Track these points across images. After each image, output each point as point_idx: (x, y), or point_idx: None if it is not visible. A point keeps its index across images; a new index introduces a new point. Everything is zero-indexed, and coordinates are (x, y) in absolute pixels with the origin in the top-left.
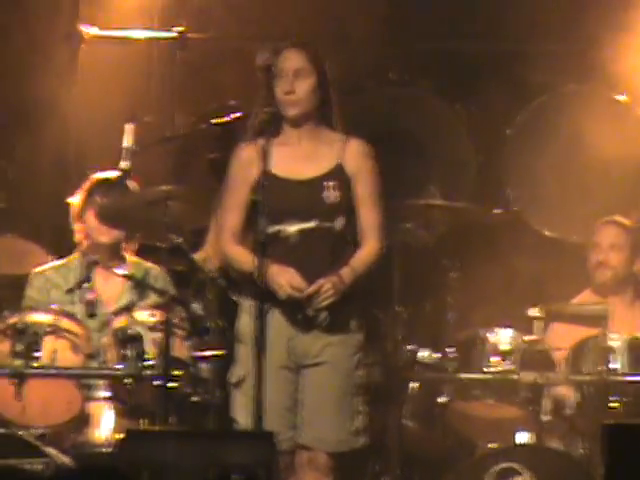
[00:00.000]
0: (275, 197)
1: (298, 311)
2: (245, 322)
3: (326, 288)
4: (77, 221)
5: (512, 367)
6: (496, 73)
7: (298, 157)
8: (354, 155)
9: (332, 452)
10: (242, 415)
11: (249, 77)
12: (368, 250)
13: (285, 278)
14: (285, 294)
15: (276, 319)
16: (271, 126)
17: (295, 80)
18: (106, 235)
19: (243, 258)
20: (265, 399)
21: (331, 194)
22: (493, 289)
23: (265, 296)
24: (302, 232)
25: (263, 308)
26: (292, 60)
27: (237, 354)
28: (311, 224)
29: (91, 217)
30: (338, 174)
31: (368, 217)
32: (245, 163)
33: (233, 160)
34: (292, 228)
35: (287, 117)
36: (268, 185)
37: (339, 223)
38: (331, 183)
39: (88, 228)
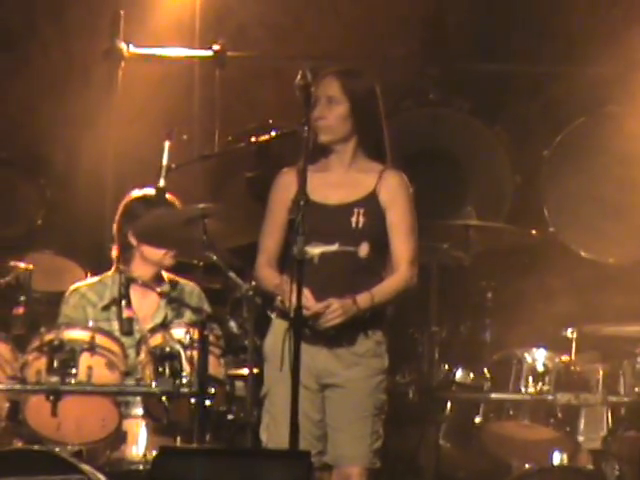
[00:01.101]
0: (307, 218)
1: (310, 330)
2: (270, 340)
3: (333, 308)
4: (115, 238)
5: (548, 388)
6: (535, 94)
7: (333, 183)
8: (389, 185)
9: (359, 467)
10: (264, 434)
11: (287, 96)
12: (396, 279)
13: (287, 294)
14: (287, 309)
15: (296, 338)
16: (309, 147)
17: (327, 107)
18: (173, 259)
19: (269, 279)
20: (282, 417)
21: (357, 220)
22: (529, 310)
23: (288, 315)
24: (324, 255)
25: (294, 326)
26: (326, 87)
27: (264, 372)
28: (334, 247)
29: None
30: (369, 202)
31: (400, 247)
32: (284, 187)
33: (273, 184)
34: (316, 250)
35: (319, 143)
36: (303, 204)
37: (363, 249)
38: (360, 210)
39: (152, 253)
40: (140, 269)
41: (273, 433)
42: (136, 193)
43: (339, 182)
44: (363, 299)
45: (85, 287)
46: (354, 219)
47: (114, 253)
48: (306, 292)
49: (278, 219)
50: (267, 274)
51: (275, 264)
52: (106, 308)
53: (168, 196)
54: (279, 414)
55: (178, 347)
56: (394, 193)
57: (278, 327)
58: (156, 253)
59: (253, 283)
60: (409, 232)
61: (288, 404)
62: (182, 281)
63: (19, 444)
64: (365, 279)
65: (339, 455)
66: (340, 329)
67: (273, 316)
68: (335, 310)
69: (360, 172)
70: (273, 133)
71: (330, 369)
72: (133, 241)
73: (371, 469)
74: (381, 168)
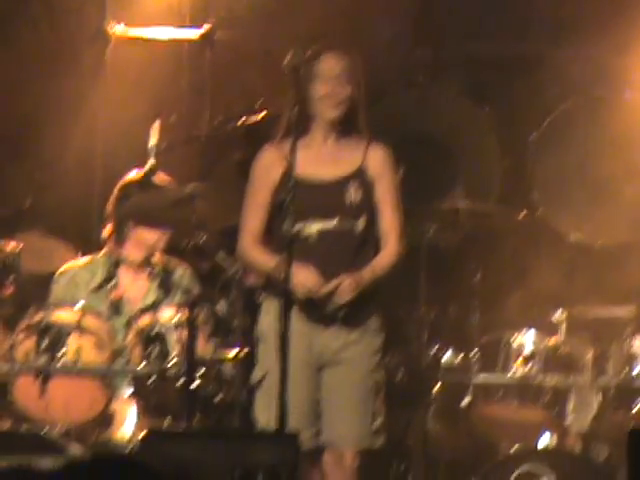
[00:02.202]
0: (297, 197)
1: (315, 309)
2: (266, 321)
3: (346, 284)
4: (109, 220)
5: (536, 369)
6: (523, 77)
7: (321, 159)
8: (376, 159)
9: (355, 450)
10: (264, 415)
11: (276, 78)
12: (389, 252)
13: (301, 277)
14: (301, 293)
15: (296, 317)
16: (300, 127)
17: (336, 84)
18: (154, 236)
19: (262, 260)
20: (287, 398)
21: (353, 195)
22: (518, 292)
23: (286, 295)
24: (322, 232)
25: (285, 307)
26: (333, 64)
27: (259, 354)
28: (332, 224)
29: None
30: (360, 176)
31: (389, 220)
32: (267, 165)
33: (255, 163)
34: (313, 228)
35: (325, 119)
36: (293, 185)
37: (360, 224)
38: (353, 185)
39: (136, 228)
40: (132, 251)
41: (271, 414)
42: (132, 175)
43: (327, 157)
44: (367, 273)
45: (76, 268)
46: (348, 194)
47: (106, 234)
48: (310, 272)
49: (262, 199)
50: (258, 255)
51: (259, 244)
52: (96, 289)
53: (160, 177)
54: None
55: (167, 328)
56: (381, 167)
57: (273, 307)
58: (151, 236)
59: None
60: (396, 205)
61: (293, 384)
62: (173, 263)
63: (7, 424)
64: (363, 254)
65: (338, 435)
66: (352, 310)
67: (265, 297)
68: (347, 286)
69: (347, 147)
70: (262, 115)
71: (331, 347)
72: (129, 223)
73: (368, 450)
74: (366, 142)
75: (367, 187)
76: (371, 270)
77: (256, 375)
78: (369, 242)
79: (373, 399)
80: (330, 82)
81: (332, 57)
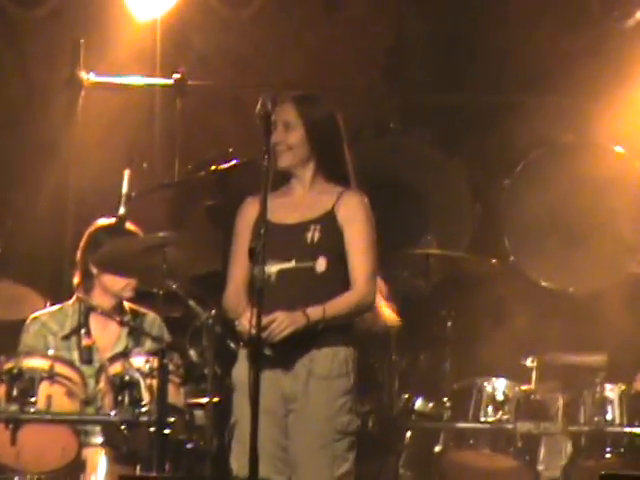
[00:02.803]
0: (264, 241)
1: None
2: (237, 368)
3: (280, 320)
4: (78, 267)
5: (508, 416)
6: (494, 124)
7: (292, 205)
8: (348, 204)
9: None
10: (237, 462)
11: (248, 125)
12: (351, 294)
13: (246, 316)
14: (245, 332)
15: (264, 364)
16: (269, 174)
17: (284, 132)
18: (132, 291)
19: (235, 308)
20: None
21: (312, 235)
22: (489, 339)
23: (254, 342)
24: (282, 272)
25: (254, 354)
26: (282, 112)
27: (233, 401)
28: (290, 264)
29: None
30: (326, 219)
31: (357, 263)
32: (248, 216)
33: (238, 213)
34: (273, 269)
35: (278, 168)
36: (263, 232)
37: (320, 264)
38: (316, 226)
39: (113, 284)
40: (100, 299)
41: (243, 462)
42: (101, 222)
43: (298, 203)
44: (314, 311)
45: (46, 315)
46: (309, 235)
47: (75, 281)
48: (248, 314)
49: (244, 248)
50: (235, 304)
51: (244, 293)
52: (67, 337)
53: (129, 225)
54: (249, 443)
55: (137, 376)
56: (352, 211)
57: (244, 355)
58: (116, 284)
59: (213, 312)
60: (366, 249)
61: (260, 431)
62: (143, 311)
63: None
64: (324, 295)
65: None
66: (298, 348)
67: (239, 345)
68: (281, 323)
69: (320, 193)
70: (233, 162)
71: (293, 393)
72: (94, 270)
73: None
74: (341, 190)
75: (331, 230)
76: (320, 309)
77: (231, 422)
78: (336, 284)
79: (335, 445)
80: (277, 131)
81: (283, 106)
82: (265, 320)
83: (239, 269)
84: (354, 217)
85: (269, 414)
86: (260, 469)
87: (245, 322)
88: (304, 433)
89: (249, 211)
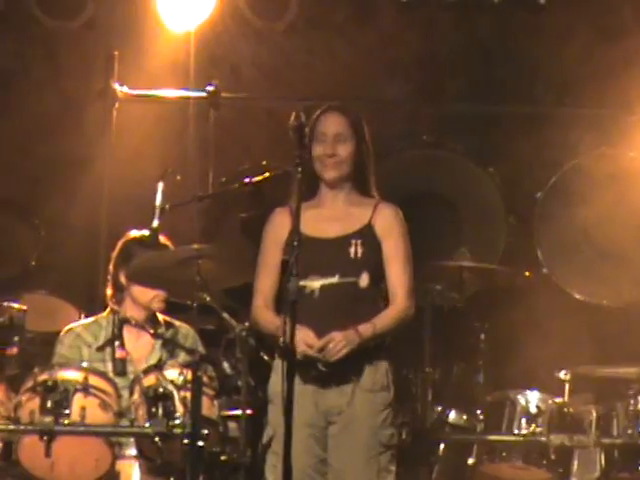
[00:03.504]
0: (302, 255)
1: (312, 367)
2: (274, 381)
3: (336, 341)
4: (110, 279)
5: (541, 429)
6: (528, 135)
7: (329, 218)
8: (384, 217)
9: None
10: (272, 475)
11: (281, 137)
12: (394, 309)
13: (299, 336)
14: (299, 352)
15: (301, 376)
16: (303, 186)
17: (335, 144)
18: (162, 302)
19: (269, 321)
20: (293, 459)
21: (356, 250)
22: (523, 351)
23: (289, 355)
24: (325, 287)
25: (289, 367)
26: (333, 124)
27: (269, 414)
28: (334, 279)
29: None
30: (366, 233)
31: (396, 277)
32: (276, 226)
33: (267, 224)
34: (316, 283)
35: (325, 180)
36: (297, 244)
37: (364, 280)
38: (358, 241)
39: (141, 295)
40: (131, 310)
41: (279, 473)
42: (134, 233)
43: (334, 216)
44: (365, 329)
45: (80, 327)
46: (352, 250)
47: (109, 293)
48: (306, 331)
49: (272, 259)
50: (266, 316)
51: (272, 304)
52: (101, 349)
53: (161, 238)
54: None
55: (171, 388)
56: (389, 224)
57: (281, 368)
58: (145, 295)
59: (247, 324)
60: (405, 262)
61: (298, 444)
62: (177, 323)
63: None
64: (366, 310)
65: None
66: (346, 363)
67: (275, 357)
68: (338, 343)
69: (354, 206)
70: (266, 174)
71: (337, 406)
72: (124, 282)
73: None
74: (375, 201)
75: (372, 244)
76: (371, 326)
77: (265, 435)
78: (377, 298)
79: (379, 458)
80: (328, 142)
81: (331, 117)
82: (322, 341)
83: (267, 281)
84: (390, 230)
85: (308, 427)
86: None
87: (301, 345)
88: (349, 445)
89: (278, 222)
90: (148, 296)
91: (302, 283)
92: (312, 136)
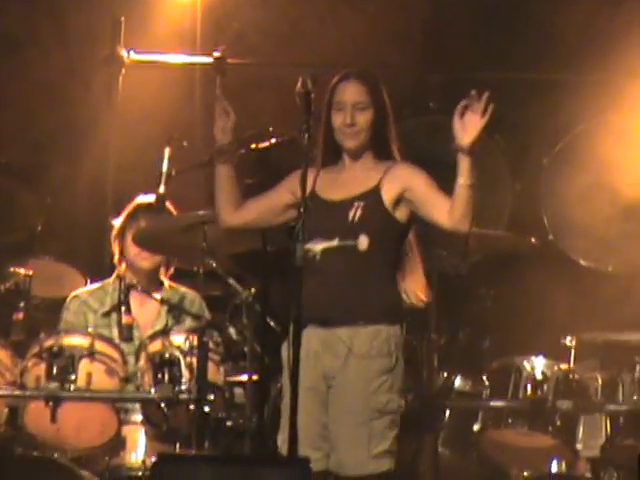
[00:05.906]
0: (311, 217)
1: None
2: (284, 346)
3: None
4: (116, 244)
5: (546, 395)
6: (534, 102)
7: (340, 181)
8: (398, 171)
9: (352, 476)
10: (280, 438)
11: (287, 103)
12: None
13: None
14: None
15: (307, 339)
16: (311, 152)
17: (354, 112)
18: (147, 260)
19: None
20: (298, 424)
21: (355, 213)
22: (528, 317)
23: (296, 320)
24: (326, 251)
25: (295, 332)
26: (351, 92)
27: (283, 378)
28: (334, 242)
29: (131, 241)
30: (370, 196)
31: (442, 200)
32: (299, 181)
33: (294, 173)
34: (318, 247)
35: (345, 149)
36: (304, 210)
37: (362, 243)
38: (360, 203)
39: (129, 252)
40: (130, 275)
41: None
42: (141, 199)
43: (346, 180)
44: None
45: (86, 293)
46: (352, 213)
47: (115, 259)
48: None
49: (275, 196)
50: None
51: (239, 208)
52: (107, 314)
53: (167, 204)
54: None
55: (177, 353)
56: (407, 172)
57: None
58: (129, 251)
59: (253, 290)
60: (440, 191)
61: (302, 407)
62: (183, 289)
63: (18, 450)
64: (367, 274)
65: (338, 461)
66: (342, 325)
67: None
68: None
69: (368, 170)
70: (273, 140)
71: (332, 370)
72: (133, 248)
73: (376, 474)
74: (389, 164)
75: (375, 207)
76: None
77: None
78: (381, 265)
79: (373, 423)
80: (347, 111)
81: (349, 85)
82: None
83: (254, 204)
84: (412, 174)
85: (311, 390)
86: (299, 445)
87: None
88: (341, 410)
89: (302, 175)
90: (132, 252)
91: (307, 246)
92: (330, 104)
